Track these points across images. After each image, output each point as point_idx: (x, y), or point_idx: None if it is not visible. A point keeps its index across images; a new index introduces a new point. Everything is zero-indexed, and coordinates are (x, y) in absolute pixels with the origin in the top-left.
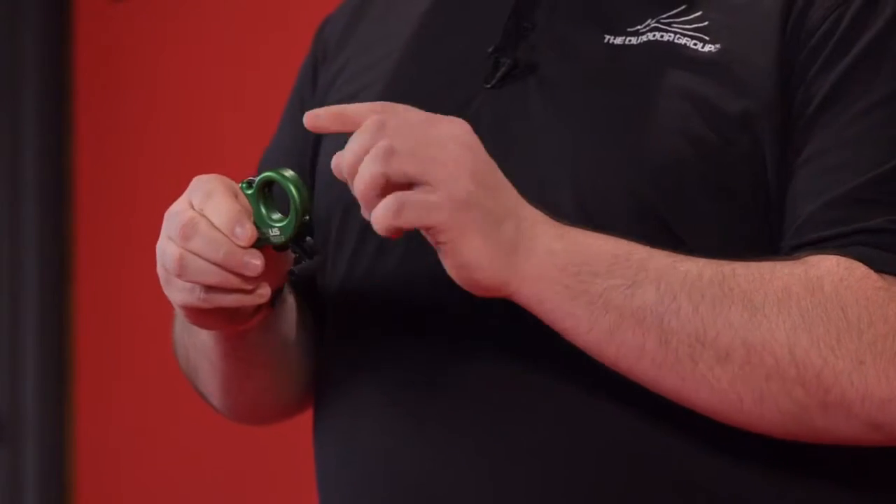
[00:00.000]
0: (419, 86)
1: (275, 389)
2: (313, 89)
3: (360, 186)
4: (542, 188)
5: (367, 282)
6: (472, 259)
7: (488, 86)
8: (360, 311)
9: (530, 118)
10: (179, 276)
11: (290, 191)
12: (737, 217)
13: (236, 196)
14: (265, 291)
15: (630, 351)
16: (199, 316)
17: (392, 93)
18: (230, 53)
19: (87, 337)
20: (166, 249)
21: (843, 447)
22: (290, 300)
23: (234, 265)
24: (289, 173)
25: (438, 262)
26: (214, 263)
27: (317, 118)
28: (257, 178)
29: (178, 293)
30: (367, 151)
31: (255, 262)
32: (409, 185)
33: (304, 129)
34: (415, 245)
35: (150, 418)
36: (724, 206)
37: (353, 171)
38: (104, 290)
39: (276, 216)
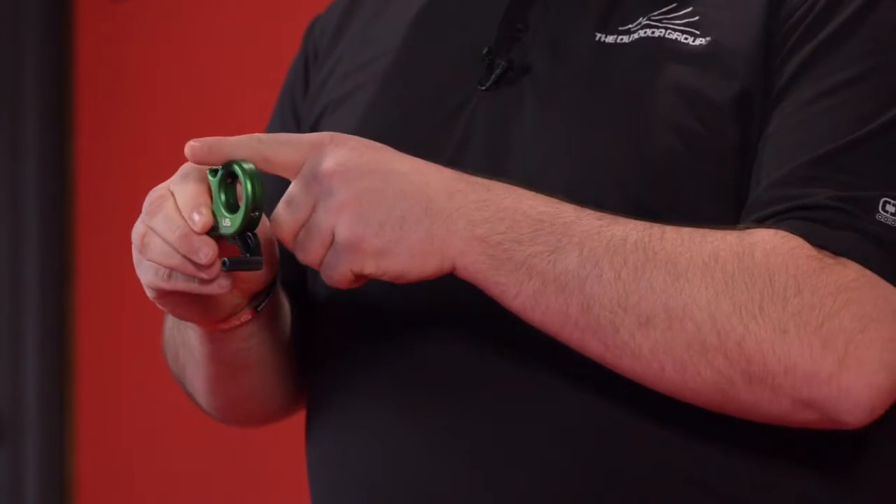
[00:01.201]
0: (413, 89)
1: (261, 393)
2: (305, 89)
3: (306, 256)
4: (536, 189)
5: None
6: (395, 272)
7: (483, 88)
8: (351, 316)
9: (525, 120)
10: (142, 253)
11: (245, 183)
12: (730, 210)
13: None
14: (224, 283)
15: (554, 316)
16: (170, 302)
17: (387, 95)
18: (230, 53)
19: (87, 337)
20: (136, 226)
21: (841, 443)
22: (285, 308)
23: (185, 249)
24: (248, 166)
25: None
26: (169, 244)
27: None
28: (221, 167)
29: (145, 272)
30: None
31: (206, 249)
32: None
33: (295, 130)
34: None
35: (151, 417)
36: (717, 199)
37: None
38: (104, 290)
39: (233, 207)
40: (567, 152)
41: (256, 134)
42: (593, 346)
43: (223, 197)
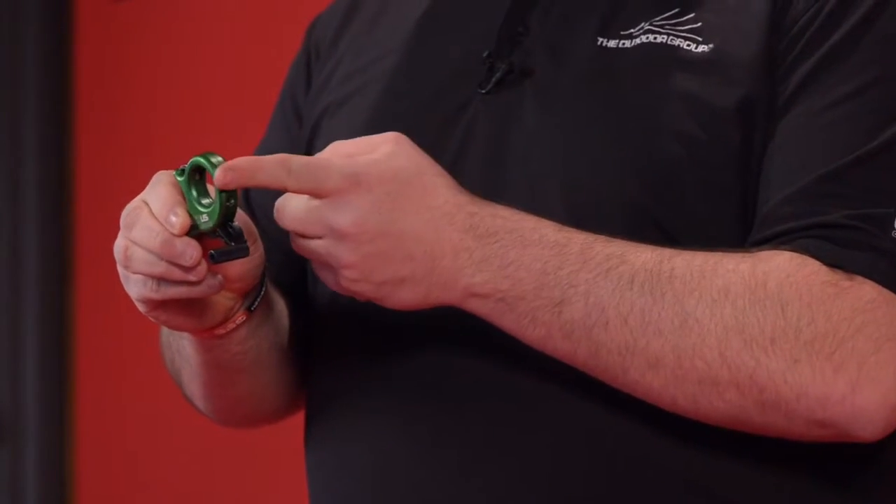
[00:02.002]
0: (414, 92)
1: (258, 395)
2: (307, 87)
3: (314, 268)
4: (534, 193)
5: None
6: (396, 307)
7: (483, 91)
8: (350, 322)
9: (525, 123)
10: (126, 267)
11: (215, 175)
12: (731, 216)
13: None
14: (214, 282)
15: (564, 356)
16: (163, 313)
17: (387, 98)
18: (230, 53)
19: (87, 337)
20: (117, 242)
21: (843, 447)
22: (279, 308)
23: (169, 254)
24: (215, 158)
25: None
26: (153, 252)
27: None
28: (188, 164)
29: (133, 286)
30: (325, 256)
31: (190, 250)
32: None
33: (295, 130)
34: None
35: (150, 418)
36: (718, 205)
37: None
38: (104, 290)
39: (207, 201)
40: (567, 156)
41: (286, 157)
42: (604, 380)
43: (195, 194)
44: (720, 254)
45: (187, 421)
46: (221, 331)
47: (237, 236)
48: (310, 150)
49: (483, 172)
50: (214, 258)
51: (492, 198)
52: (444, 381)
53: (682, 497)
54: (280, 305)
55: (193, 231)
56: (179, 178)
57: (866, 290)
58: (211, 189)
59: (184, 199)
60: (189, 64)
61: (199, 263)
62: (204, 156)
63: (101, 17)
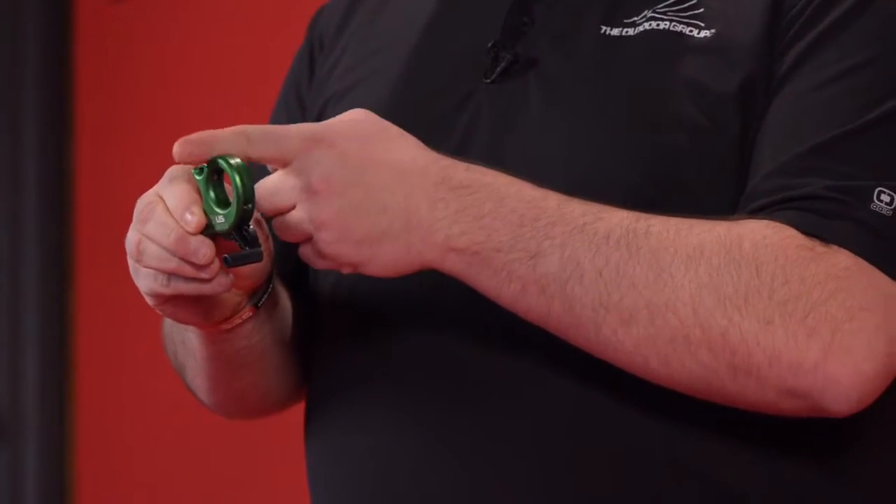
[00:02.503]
0: (419, 81)
1: (263, 388)
2: (311, 78)
3: (284, 237)
4: (538, 182)
5: (358, 284)
6: (375, 274)
7: (488, 81)
8: (352, 312)
9: (530, 113)
10: (138, 261)
11: (233, 178)
12: (732, 204)
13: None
14: (224, 280)
15: (537, 315)
16: (171, 308)
17: (392, 87)
18: (230, 53)
19: (87, 337)
20: (129, 235)
21: (834, 431)
22: (284, 302)
23: (183, 252)
24: (234, 160)
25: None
26: (166, 248)
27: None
28: (207, 164)
29: (143, 280)
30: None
31: (205, 249)
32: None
33: (300, 120)
34: None
35: (151, 417)
36: (721, 192)
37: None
38: (104, 290)
39: (224, 202)
40: (571, 145)
41: (244, 127)
42: (577, 341)
43: (212, 194)
44: (696, 218)
45: (187, 421)
46: (227, 326)
47: (252, 240)
48: None
49: (486, 161)
50: (229, 262)
51: None
52: (444, 372)
53: (667, 479)
54: (284, 300)
55: (207, 231)
56: (198, 177)
57: (842, 258)
58: (228, 190)
59: (200, 197)
60: (189, 64)
61: (211, 262)
62: (223, 157)
63: (101, 17)
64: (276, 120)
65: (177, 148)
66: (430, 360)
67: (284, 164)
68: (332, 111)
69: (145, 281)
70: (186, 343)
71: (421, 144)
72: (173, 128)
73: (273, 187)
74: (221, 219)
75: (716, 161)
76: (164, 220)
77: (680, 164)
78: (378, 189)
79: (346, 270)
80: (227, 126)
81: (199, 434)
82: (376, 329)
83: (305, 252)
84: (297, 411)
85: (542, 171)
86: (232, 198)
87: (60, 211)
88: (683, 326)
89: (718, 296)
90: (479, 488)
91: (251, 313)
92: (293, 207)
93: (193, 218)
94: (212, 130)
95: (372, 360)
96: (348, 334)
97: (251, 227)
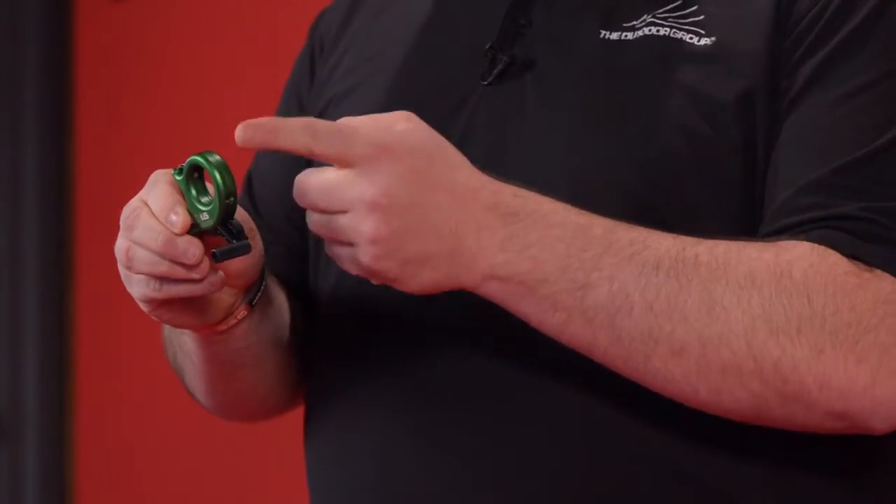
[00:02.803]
0: (417, 83)
1: (261, 390)
2: (311, 82)
3: (329, 249)
4: (537, 185)
5: (359, 286)
6: (411, 291)
7: (485, 83)
8: (351, 316)
9: (527, 115)
10: (129, 267)
11: (213, 174)
12: (734, 211)
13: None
14: (216, 280)
15: (582, 343)
16: (166, 312)
17: (390, 89)
18: (230, 53)
19: (87, 337)
20: (118, 243)
21: (838, 441)
22: (279, 301)
23: (172, 254)
24: (213, 157)
25: None
26: (155, 252)
27: (311, 132)
28: (185, 163)
29: (136, 286)
30: (350, 233)
31: (192, 249)
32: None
33: None
34: None
35: (150, 417)
36: (720, 199)
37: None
38: (104, 290)
39: (206, 199)
40: (569, 148)
41: (311, 120)
42: (624, 370)
43: (194, 192)
44: (741, 242)
45: (187, 421)
46: (223, 327)
47: (238, 233)
48: None
49: (484, 164)
50: (217, 257)
51: None
52: (444, 373)
53: (673, 489)
54: (280, 300)
55: (194, 230)
56: (178, 178)
57: (886, 283)
58: (210, 188)
59: (183, 198)
60: (189, 64)
61: (201, 261)
62: (201, 154)
63: (101, 17)
64: None
65: (239, 131)
66: (431, 361)
67: (345, 166)
68: (332, 113)
69: (138, 287)
70: (183, 347)
71: (469, 162)
72: (173, 127)
73: (329, 186)
74: (206, 215)
75: (715, 167)
76: (150, 224)
77: (678, 169)
78: (434, 210)
79: (376, 282)
80: (226, 125)
81: (198, 434)
82: (376, 330)
83: (340, 254)
84: (297, 412)
85: (540, 174)
86: (213, 194)
87: (60, 211)
88: (736, 358)
89: (771, 327)
90: (479, 489)
91: (246, 312)
92: (342, 212)
93: (178, 218)
94: (279, 118)
95: (371, 362)
96: (348, 335)
97: (235, 220)
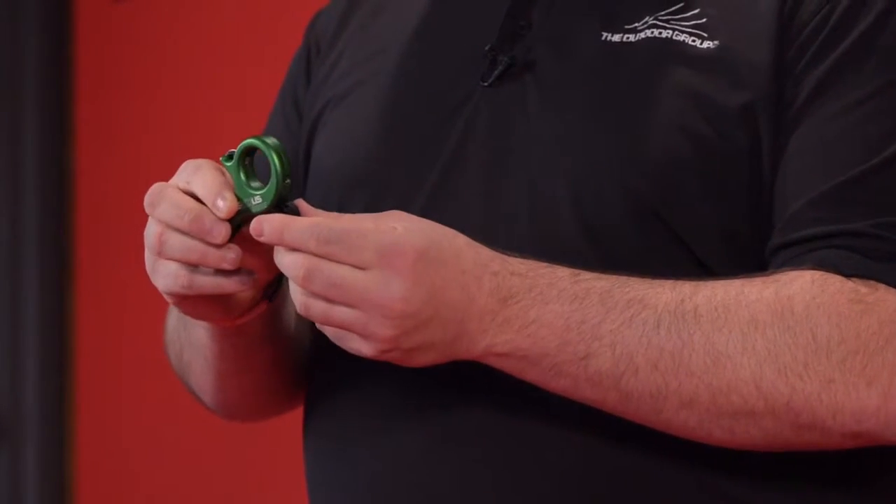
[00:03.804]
0: (417, 85)
1: (269, 387)
2: (308, 83)
3: (328, 332)
4: (538, 187)
5: None
6: (418, 366)
7: (485, 84)
8: None
9: (527, 116)
10: (159, 253)
11: (270, 156)
12: (735, 214)
13: (223, 174)
14: (247, 278)
15: (592, 402)
16: (189, 304)
17: (389, 91)
18: (230, 53)
19: (87, 337)
20: (149, 227)
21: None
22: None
23: (199, 231)
24: (269, 139)
25: None
26: (182, 231)
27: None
28: (238, 147)
29: (163, 279)
30: (297, 284)
31: (220, 227)
32: None
33: (295, 125)
34: None
35: (151, 418)
36: (722, 203)
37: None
38: (104, 290)
39: (257, 184)
40: (569, 150)
41: (317, 223)
42: (636, 420)
43: (243, 177)
44: (740, 281)
45: (187, 421)
46: (242, 320)
47: (296, 214)
48: (310, 145)
49: (484, 165)
50: None
51: (493, 192)
52: (446, 372)
53: (694, 496)
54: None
55: (240, 215)
56: (228, 164)
57: (891, 301)
58: (258, 172)
59: (230, 182)
60: (189, 64)
61: (227, 240)
62: (257, 137)
63: (101, 17)
64: (272, 123)
65: (254, 224)
66: (435, 367)
67: (356, 266)
68: (332, 113)
69: (164, 280)
70: (195, 341)
71: (469, 240)
72: (173, 128)
73: (340, 281)
74: (258, 199)
75: (716, 170)
76: (176, 202)
77: (679, 170)
78: (444, 306)
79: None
80: (226, 126)
81: (198, 434)
82: None
83: (340, 336)
84: (296, 412)
85: (541, 176)
86: (268, 179)
87: (60, 211)
88: (747, 403)
89: (778, 367)
90: (482, 489)
91: (265, 307)
92: (348, 306)
93: (225, 203)
94: (288, 218)
95: (372, 366)
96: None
97: (291, 203)
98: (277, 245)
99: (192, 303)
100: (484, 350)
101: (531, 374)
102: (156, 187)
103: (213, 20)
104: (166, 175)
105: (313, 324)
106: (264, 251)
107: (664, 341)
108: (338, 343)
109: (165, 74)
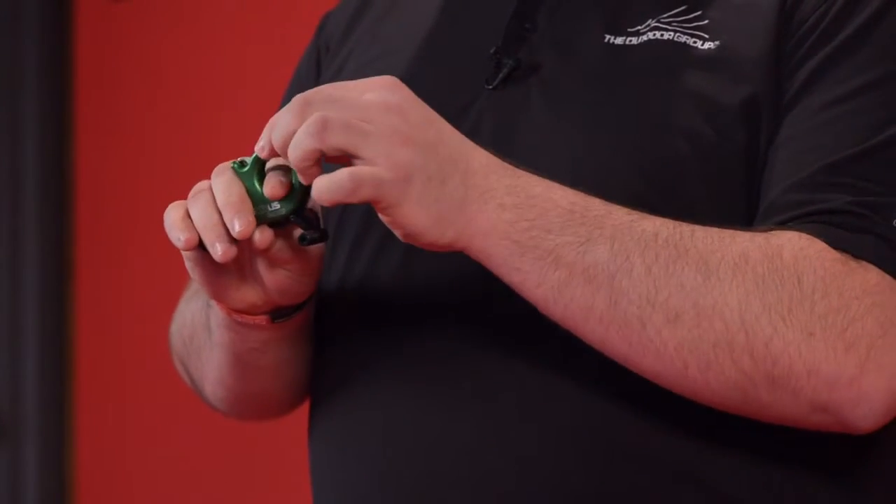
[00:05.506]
0: (422, 86)
1: (270, 396)
2: (317, 81)
3: (295, 160)
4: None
5: (365, 281)
6: (415, 228)
7: (490, 87)
8: (358, 311)
9: (532, 119)
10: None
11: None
12: (737, 214)
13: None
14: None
15: (578, 309)
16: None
17: None
18: (230, 53)
19: (87, 337)
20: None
21: (843, 442)
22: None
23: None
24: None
25: (438, 262)
26: (216, 203)
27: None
28: (253, 156)
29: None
30: (297, 124)
31: (262, 233)
32: (343, 157)
33: None
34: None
35: (150, 418)
36: (722, 203)
37: (284, 145)
38: (104, 290)
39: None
40: (573, 152)
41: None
42: (616, 342)
43: (258, 186)
44: (732, 230)
45: (187, 420)
46: (237, 317)
47: (315, 222)
48: None
49: None
50: (305, 239)
51: None
52: (451, 370)
53: (671, 487)
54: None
55: (258, 222)
56: (242, 171)
57: (872, 274)
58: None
59: (247, 193)
60: (189, 64)
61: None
62: None
63: (101, 17)
64: None
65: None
66: (438, 357)
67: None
68: None
69: (174, 212)
70: (208, 324)
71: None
72: (173, 127)
73: (340, 95)
74: (276, 205)
75: (719, 170)
76: (209, 213)
77: (683, 172)
78: (446, 137)
79: (389, 211)
80: (226, 125)
81: (199, 434)
82: (382, 327)
83: (361, 174)
84: (300, 410)
85: (545, 176)
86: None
87: (60, 211)
88: (728, 331)
89: (764, 303)
90: (487, 486)
91: (264, 322)
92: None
93: (240, 227)
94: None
95: (377, 359)
96: (353, 332)
97: (312, 209)
98: (291, 147)
99: (200, 263)
100: (495, 212)
101: (528, 260)
102: (199, 188)
103: (213, 20)
104: (165, 175)
105: (316, 326)
106: (301, 257)
107: (661, 248)
108: (362, 186)
109: (165, 74)
